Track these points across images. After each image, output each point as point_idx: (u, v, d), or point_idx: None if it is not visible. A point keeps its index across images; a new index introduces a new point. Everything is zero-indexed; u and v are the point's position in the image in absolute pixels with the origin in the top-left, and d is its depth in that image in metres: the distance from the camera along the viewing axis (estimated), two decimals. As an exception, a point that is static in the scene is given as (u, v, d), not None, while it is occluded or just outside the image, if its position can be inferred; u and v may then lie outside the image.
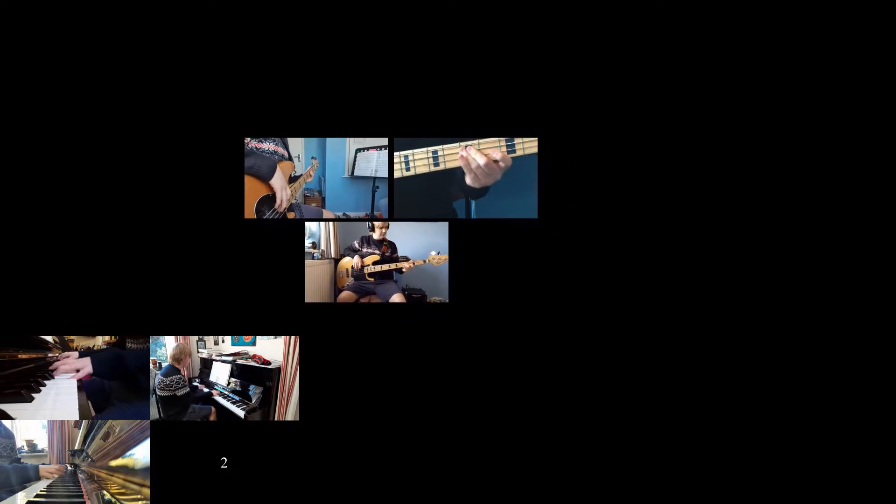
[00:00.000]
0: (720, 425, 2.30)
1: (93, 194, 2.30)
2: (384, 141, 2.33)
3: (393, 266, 2.36)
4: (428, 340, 2.31)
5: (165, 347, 2.32)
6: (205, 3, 2.29)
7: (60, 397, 2.29)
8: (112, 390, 2.31)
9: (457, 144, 2.31)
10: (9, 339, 2.29)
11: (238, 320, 2.31)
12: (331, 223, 2.36)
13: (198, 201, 2.30)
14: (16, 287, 2.29)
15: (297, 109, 2.31)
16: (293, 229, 2.33)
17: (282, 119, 2.32)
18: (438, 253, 2.33)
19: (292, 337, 2.33)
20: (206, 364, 2.36)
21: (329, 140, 2.35)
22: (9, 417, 2.27)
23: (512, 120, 2.31)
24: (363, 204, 2.35)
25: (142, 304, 2.31)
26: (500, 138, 2.29)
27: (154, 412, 2.31)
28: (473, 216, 2.34)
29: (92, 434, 2.31)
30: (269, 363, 2.33)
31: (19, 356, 2.29)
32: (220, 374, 2.36)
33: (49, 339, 2.30)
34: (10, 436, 2.27)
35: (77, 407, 2.29)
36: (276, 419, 2.32)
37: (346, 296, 2.37)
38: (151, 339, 2.31)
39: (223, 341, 2.35)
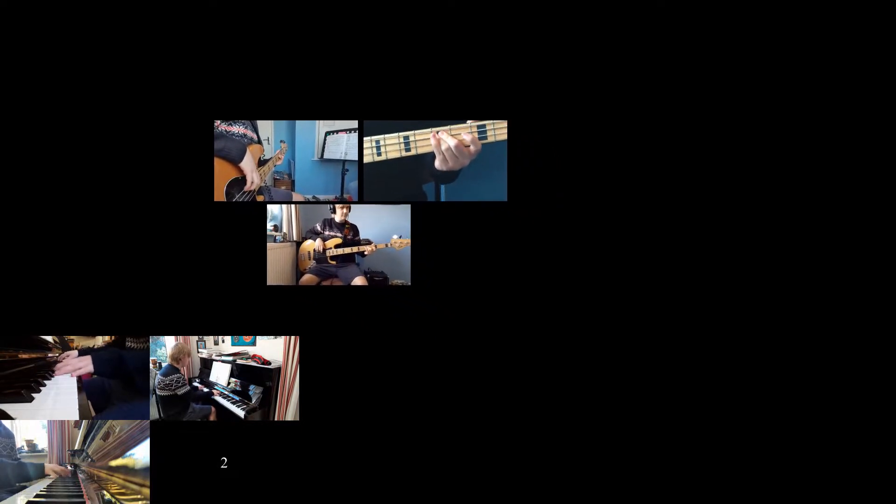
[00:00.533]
0: (688, 403, 2.30)
1: (68, 183, 2.29)
2: (354, 124, 2.33)
3: (355, 250, 2.36)
4: (391, 323, 2.31)
5: (165, 347, 2.32)
6: None
7: (60, 397, 2.29)
8: (112, 390, 2.31)
9: (428, 130, 2.31)
10: (9, 339, 2.29)
11: (206, 307, 2.30)
12: (293, 206, 2.36)
13: (167, 184, 2.30)
14: (16, 287, 2.29)
15: (267, 92, 2.31)
16: (258, 212, 2.33)
17: (251, 102, 2.32)
18: (400, 237, 2.33)
19: (292, 337, 2.33)
20: (206, 364, 2.36)
21: (298, 123, 2.36)
22: (9, 417, 2.27)
23: (482, 103, 2.31)
24: (332, 187, 2.36)
25: (142, 304, 2.31)
26: (473, 123, 2.30)
27: (154, 412, 2.31)
28: (443, 199, 2.34)
29: (92, 434, 2.31)
30: (269, 363, 2.33)
31: (19, 356, 2.29)
32: (220, 374, 2.36)
33: (49, 339, 2.30)
34: (10, 436, 2.27)
35: (77, 407, 2.29)
36: (276, 419, 2.32)
37: (307, 279, 2.38)
38: (151, 339, 2.31)
39: (223, 341, 2.35)
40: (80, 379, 2.30)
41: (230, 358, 2.35)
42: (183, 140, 2.29)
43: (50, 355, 2.30)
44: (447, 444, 2.31)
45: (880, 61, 2.31)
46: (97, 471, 2.32)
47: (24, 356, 2.29)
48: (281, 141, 2.36)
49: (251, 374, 2.34)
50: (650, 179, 2.31)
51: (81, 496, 2.29)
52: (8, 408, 2.28)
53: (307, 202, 2.36)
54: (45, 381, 2.30)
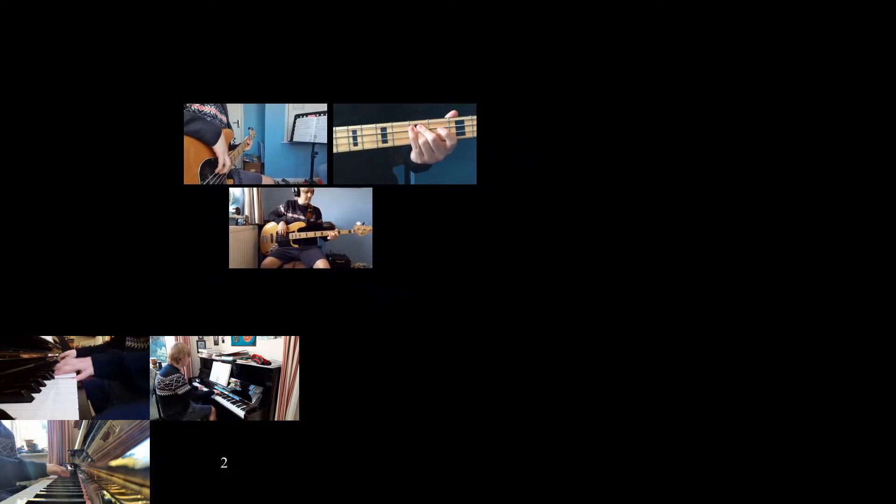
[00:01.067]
0: (661, 394, 2.30)
1: (45, 172, 2.29)
2: (323, 107, 2.33)
3: (319, 234, 2.36)
4: (390, 323, 2.31)
5: (165, 347, 2.32)
6: None
7: (60, 397, 2.29)
8: (112, 390, 2.31)
9: (407, 123, 2.32)
10: (9, 339, 2.29)
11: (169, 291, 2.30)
12: (254, 189, 2.36)
13: (136, 169, 2.30)
14: (16, 287, 2.29)
15: (237, 76, 2.32)
16: (223, 196, 2.34)
17: (221, 85, 2.32)
18: (363, 223, 2.33)
19: (292, 337, 2.33)
20: (206, 364, 2.36)
21: (268, 106, 2.36)
22: (9, 417, 2.27)
23: (451, 86, 2.32)
24: (302, 169, 2.36)
25: (142, 304, 2.31)
26: (451, 119, 2.30)
27: (154, 412, 2.31)
28: (413, 182, 2.35)
29: (92, 434, 2.31)
30: (269, 363, 2.33)
31: (20, 356, 2.29)
32: (220, 374, 2.36)
33: (49, 339, 2.30)
34: (10, 436, 2.27)
35: (77, 407, 2.29)
36: (276, 419, 2.32)
37: (269, 262, 2.38)
38: (151, 339, 2.31)
39: (223, 341, 2.35)
40: (79, 384, 2.30)
41: (230, 358, 2.35)
42: (153, 123, 2.29)
43: (50, 355, 2.30)
44: (447, 443, 2.31)
45: (880, 61, 2.31)
46: (97, 471, 2.32)
47: (24, 356, 2.29)
48: (249, 128, 2.36)
49: (251, 374, 2.34)
50: (621, 162, 2.31)
51: (81, 496, 2.29)
52: (8, 408, 2.27)
53: (277, 185, 2.36)
54: (45, 381, 2.30)
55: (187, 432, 2.31)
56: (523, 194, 2.29)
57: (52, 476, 2.30)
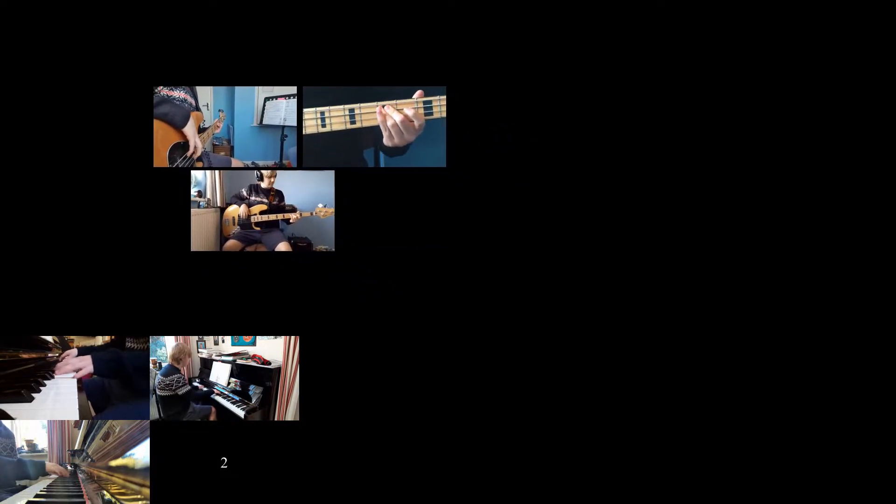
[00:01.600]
0: (645, 377, 2.30)
1: (8, 155, 2.29)
2: (293, 90, 2.33)
3: (280, 217, 2.37)
4: (389, 323, 2.31)
5: (165, 347, 2.32)
6: None
7: (60, 397, 2.29)
8: (112, 390, 2.31)
9: (375, 103, 2.32)
10: (9, 339, 2.29)
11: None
12: (216, 171, 2.36)
13: (105, 152, 2.30)
14: (16, 287, 2.29)
15: (206, 58, 2.31)
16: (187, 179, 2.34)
17: (190, 68, 2.32)
18: (325, 206, 2.33)
19: (292, 337, 2.33)
20: (206, 364, 2.36)
21: (238, 88, 2.36)
22: (9, 417, 2.27)
23: (421, 68, 2.31)
24: (272, 153, 2.36)
25: (142, 304, 2.31)
26: (419, 99, 2.31)
27: (154, 412, 2.31)
28: (382, 165, 2.35)
29: (92, 434, 2.31)
30: (269, 363, 2.33)
31: (20, 356, 2.29)
32: (220, 374, 2.36)
33: (49, 339, 2.30)
34: (10, 436, 2.27)
35: (77, 407, 2.29)
36: (276, 419, 2.32)
37: (231, 244, 2.38)
38: (151, 339, 2.31)
39: (223, 341, 2.35)
40: (79, 379, 2.30)
41: (230, 358, 2.35)
42: (122, 106, 2.29)
43: (50, 355, 2.30)
44: (448, 443, 2.31)
45: (880, 61, 2.31)
46: (97, 471, 2.32)
47: (24, 356, 2.29)
48: (220, 111, 2.36)
49: (251, 374, 2.34)
50: (594, 144, 2.30)
51: (81, 496, 2.29)
52: (8, 408, 2.28)
53: (246, 168, 2.36)
54: (45, 381, 2.30)
55: (187, 432, 2.31)
56: (494, 177, 2.29)
57: (51, 475, 2.30)
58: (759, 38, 2.31)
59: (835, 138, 2.31)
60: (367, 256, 2.31)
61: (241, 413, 2.33)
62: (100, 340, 2.31)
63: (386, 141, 2.33)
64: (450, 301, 2.33)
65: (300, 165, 2.34)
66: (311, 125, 2.33)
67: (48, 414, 2.29)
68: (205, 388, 2.36)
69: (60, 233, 2.30)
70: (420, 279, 2.33)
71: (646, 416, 2.31)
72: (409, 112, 2.31)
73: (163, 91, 2.31)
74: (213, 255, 2.34)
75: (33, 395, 2.29)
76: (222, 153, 2.37)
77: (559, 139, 2.31)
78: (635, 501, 2.30)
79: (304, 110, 2.33)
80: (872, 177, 2.31)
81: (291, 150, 2.34)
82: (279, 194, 2.38)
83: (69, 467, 2.32)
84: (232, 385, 2.36)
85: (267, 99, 2.35)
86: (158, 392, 2.31)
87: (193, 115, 2.34)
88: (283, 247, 2.36)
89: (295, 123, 2.33)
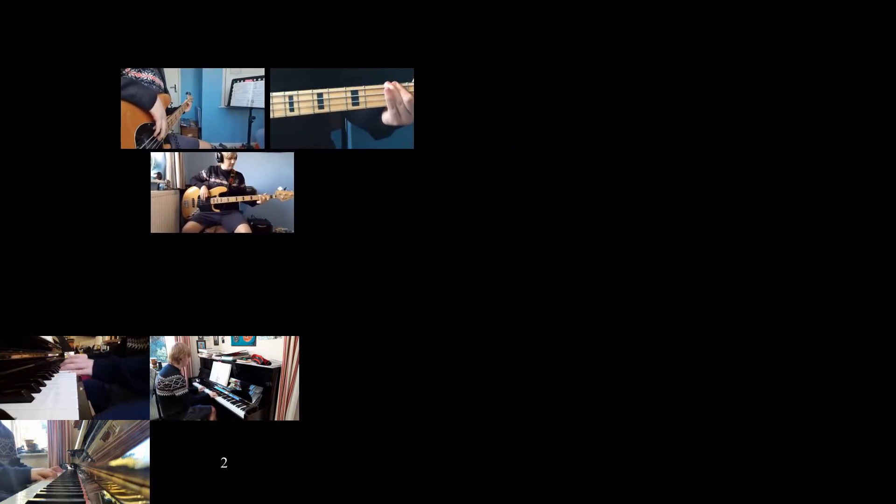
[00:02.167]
0: (630, 377, 2.30)
1: None
2: (260, 71, 2.34)
3: (244, 199, 2.37)
4: (388, 323, 2.31)
5: (165, 347, 2.32)
6: None
7: (60, 397, 2.29)
8: (112, 390, 2.31)
9: (343, 88, 2.33)
10: (9, 339, 2.29)
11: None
12: (176, 154, 2.36)
13: (72, 133, 2.30)
14: (16, 287, 2.29)
15: (173, 40, 2.31)
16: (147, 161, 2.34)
17: (158, 49, 2.31)
18: (284, 189, 2.34)
19: (292, 337, 2.33)
20: (206, 364, 2.36)
21: (205, 70, 2.36)
22: (9, 417, 2.27)
23: (388, 50, 2.31)
24: (239, 134, 2.36)
25: (142, 304, 2.31)
26: (410, 84, 2.32)
27: (154, 412, 2.31)
28: (350, 147, 2.35)
29: (92, 434, 2.31)
30: (269, 363, 2.33)
31: (20, 356, 2.29)
32: (220, 374, 2.36)
33: (49, 339, 2.30)
34: (9, 436, 2.27)
35: (77, 407, 2.29)
36: (276, 419, 2.32)
37: (191, 226, 2.38)
38: (151, 339, 2.31)
39: (223, 341, 2.35)
40: (80, 379, 2.30)
41: (230, 358, 2.35)
42: (90, 88, 2.29)
43: (50, 355, 2.30)
44: (448, 442, 2.31)
45: (880, 61, 2.31)
46: (97, 471, 2.32)
47: (25, 356, 2.29)
48: (187, 93, 2.36)
49: (251, 374, 2.34)
50: (560, 123, 2.30)
51: (81, 496, 2.29)
52: (8, 408, 2.28)
53: (214, 150, 2.36)
54: (45, 381, 2.30)
55: (187, 432, 2.31)
56: (460, 163, 2.29)
57: (36, 479, 2.30)
58: (753, 39, 2.31)
59: (835, 138, 2.31)
60: (366, 254, 2.31)
61: (241, 413, 2.33)
62: (100, 340, 2.31)
63: (392, 120, 2.33)
64: (450, 301, 2.33)
65: (268, 147, 2.34)
66: (280, 109, 2.33)
67: (48, 414, 2.29)
68: (205, 389, 2.36)
69: (27, 217, 2.30)
70: (420, 279, 2.33)
71: (644, 414, 2.31)
72: (409, 95, 2.32)
73: (130, 73, 2.31)
74: (173, 237, 2.34)
75: (33, 395, 2.28)
76: (190, 135, 2.37)
77: (528, 119, 2.31)
78: (635, 501, 2.30)
79: (273, 94, 2.33)
80: (872, 177, 2.31)
81: (259, 132, 2.35)
82: (239, 176, 2.38)
83: (69, 467, 2.31)
84: (232, 385, 2.36)
85: (235, 81, 2.35)
86: (158, 392, 2.31)
87: (161, 96, 2.34)
88: (242, 229, 2.36)
89: (263, 105, 2.34)
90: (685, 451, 2.31)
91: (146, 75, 2.32)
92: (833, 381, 2.30)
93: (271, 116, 2.33)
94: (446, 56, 2.30)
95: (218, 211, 2.38)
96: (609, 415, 2.31)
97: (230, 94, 2.36)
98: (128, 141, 2.32)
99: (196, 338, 2.34)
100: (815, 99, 2.31)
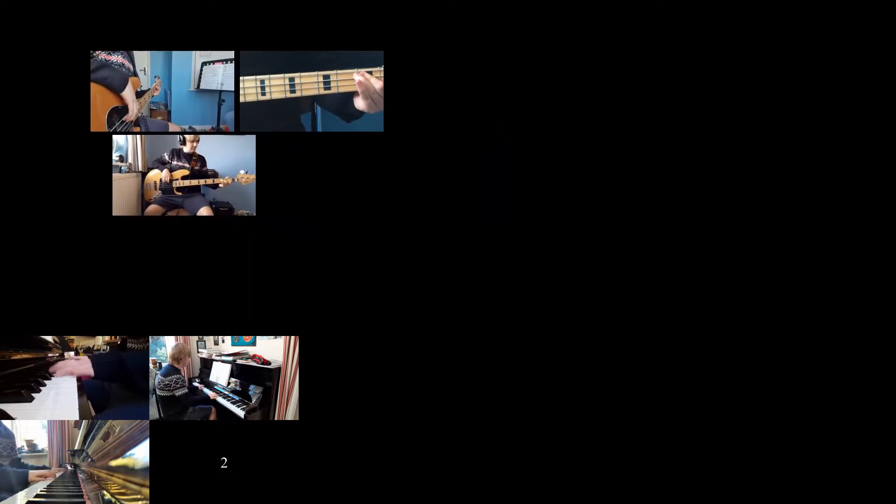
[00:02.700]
0: (612, 372, 2.30)
1: None
2: (230, 54, 2.34)
3: (207, 182, 2.37)
4: (387, 323, 2.31)
5: (165, 347, 2.32)
6: None
7: (60, 397, 2.29)
8: (112, 390, 2.31)
9: (314, 73, 2.33)
10: (9, 339, 2.29)
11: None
12: (138, 136, 2.36)
13: (41, 115, 2.29)
14: (16, 287, 2.29)
15: (143, 22, 2.31)
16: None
17: (127, 32, 2.31)
18: (246, 172, 2.34)
19: (292, 337, 2.33)
20: (206, 364, 2.36)
21: (175, 53, 2.36)
22: (9, 417, 2.27)
23: (358, 33, 2.31)
24: (209, 117, 2.36)
25: (142, 304, 2.31)
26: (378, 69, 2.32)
27: (154, 412, 2.31)
28: (319, 129, 2.36)
29: (92, 434, 2.31)
30: (269, 363, 2.33)
31: (20, 356, 2.29)
32: (220, 374, 2.36)
33: (49, 339, 2.30)
34: (10, 436, 2.27)
35: (77, 407, 2.29)
36: (276, 419, 2.32)
37: (153, 209, 2.38)
38: (151, 339, 2.31)
39: (223, 341, 2.35)
40: (79, 379, 2.30)
41: (230, 358, 2.35)
42: (58, 71, 2.29)
43: (50, 355, 2.30)
44: (447, 442, 2.31)
45: (880, 61, 2.31)
46: (97, 471, 2.32)
47: (24, 356, 2.29)
48: (156, 77, 2.36)
49: (251, 374, 2.34)
50: (535, 105, 2.30)
51: (81, 496, 2.29)
52: (8, 408, 2.28)
53: (183, 132, 2.36)
54: (45, 381, 2.30)
55: (187, 432, 2.31)
56: (431, 148, 2.29)
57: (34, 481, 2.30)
58: (753, 39, 2.31)
59: (835, 138, 2.32)
60: (359, 251, 2.31)
61: (241, 413, 2.33)
62: (100, 340, 2.31)
63: (365, 107, 2.33)
64: (449, 301, 2.33)
65: (237, 130, 2.34)
66: (252, 93, 2.33)
67: (48, 414, 2.29)
68: (205, 389, 2.36)
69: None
70: (419, 278, 2.33)
71: (638, 412, 2.31)
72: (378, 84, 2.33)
73: (101, 55, 2.31)
74: (135, 219, 2.34)
75: (33, 395, 2.29)
76: (159, 118, 2.37)
77: (498, 101, 2.31)
78: (635, 501, 2.30)
79: (245, 78, 2.34)
80: (872, 177, 2.31)
81: (229, 115, 2.35)
82: (201, 159, 2.38)
83: (69, 467, 2.32)
84: (232, 385, 2.36)
85: (204, 64, 2.35)
86: (158, 392, 2.31)
87: (131, 79, 2.34)
88: (204, 211, 2.36)
89: (232, 88, 2.34)
90: (682, 448, 2.31)
91: (116, 58, 2.32)
92: (833, 381, 2.30)
93: (242, 100, 2.33)
94: (416, 39, 2.30)
95: (180, 194, 2.38)
96: (604, 412, 2.31)
97: (199, 77, 2.35)
98: (97, 124, 2.32)
99: (196, 338, 2.34)
100: (816, 99, 2.31)
